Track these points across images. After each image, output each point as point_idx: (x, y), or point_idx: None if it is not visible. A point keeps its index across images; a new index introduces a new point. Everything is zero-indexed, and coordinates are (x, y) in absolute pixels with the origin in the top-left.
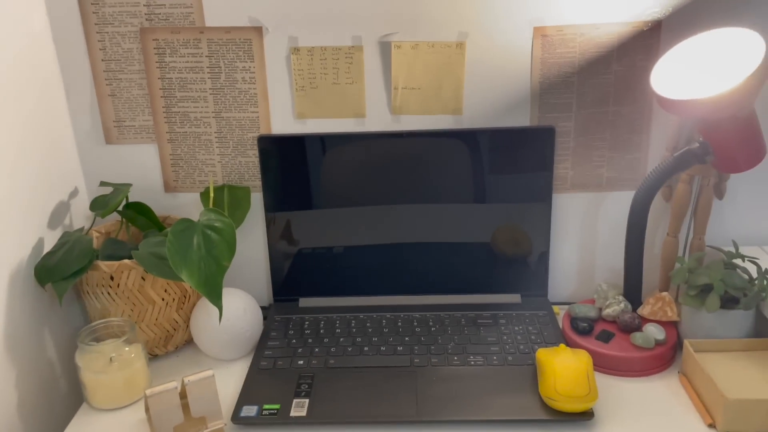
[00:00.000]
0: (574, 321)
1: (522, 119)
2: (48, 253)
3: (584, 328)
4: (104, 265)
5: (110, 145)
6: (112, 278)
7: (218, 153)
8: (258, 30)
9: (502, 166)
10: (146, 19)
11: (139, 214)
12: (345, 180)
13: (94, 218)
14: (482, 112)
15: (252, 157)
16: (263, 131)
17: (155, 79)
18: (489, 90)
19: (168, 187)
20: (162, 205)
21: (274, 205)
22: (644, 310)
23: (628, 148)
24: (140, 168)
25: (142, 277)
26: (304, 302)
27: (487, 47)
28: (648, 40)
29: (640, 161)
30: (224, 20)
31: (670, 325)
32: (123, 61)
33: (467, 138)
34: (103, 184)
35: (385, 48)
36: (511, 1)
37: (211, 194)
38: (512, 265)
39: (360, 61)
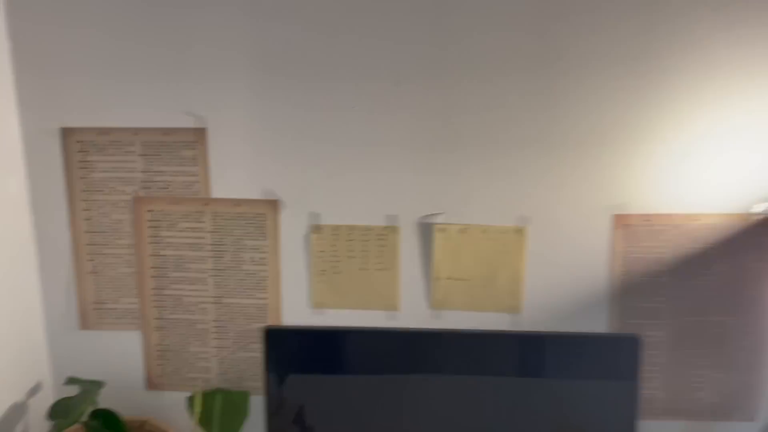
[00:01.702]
0: None
1: (597, 324)
2: None
3: None
4: None
5: (86, 330)
6: None
7: (215, 345)
8: (273, 204)
9: (572, 382)
10: (142, 187)
11: (105, 428)
12: (371, 387)
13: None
14: (546, 311)
15: (255, 353)
16: (272, 322)
17: (146, 255)
18: (555, 286)
19: (151, 384)
20: (141, 405)
21: (279, 415)
22: None
23: (738, 368)
24: (119, 359)
25: None
26: None
27: (553, 236)
28: (762, 237)
29: (755, 387)
30: (234, 191)
31: None
32: (110, 234)
33: (527, 343)
34: (70, 381)
35: (426, 230)
36: (584, 181)
37: (197, 408)
38: None
39: (394, 244)
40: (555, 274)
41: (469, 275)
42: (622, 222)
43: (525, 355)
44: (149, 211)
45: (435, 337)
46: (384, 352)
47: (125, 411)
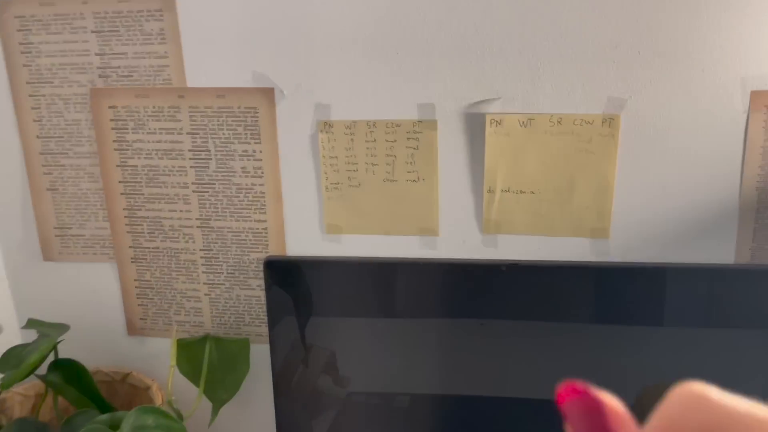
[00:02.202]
0: None
1: (720, 252)
2: None
3: None
4: None
5: (50, 262)
6: None
7: (205, 281)
8: (269, 93)
9: (684, 331)
10: (99, 76)
11: (67, 384)
12: (402, 334)
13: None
14: (645, 236)
15: (256, 290)
16: (274, 251)
17: (113, 166)
18: (659, 200)
19: (132, 329)
20: (123, 354)
21: (289, 368)
22: None
23: None
24: (92, 297)
25: None
26: None
27: (659, 126)
28: None
29: None
30: (216, 78)
31: None
32: (66, 139)
33: (618, 280)
34: (30, 324)
35: (476, 124)
36: (705, 46)
37: (180, 360)
38: None
39: (431, 144)
40: (659, 182)
41: (536, 187)
42: (764, 102)
43: (616, 296)
44: (111, 107)
45: (488, 271)
46: (419, 291)
47: (103, 361)
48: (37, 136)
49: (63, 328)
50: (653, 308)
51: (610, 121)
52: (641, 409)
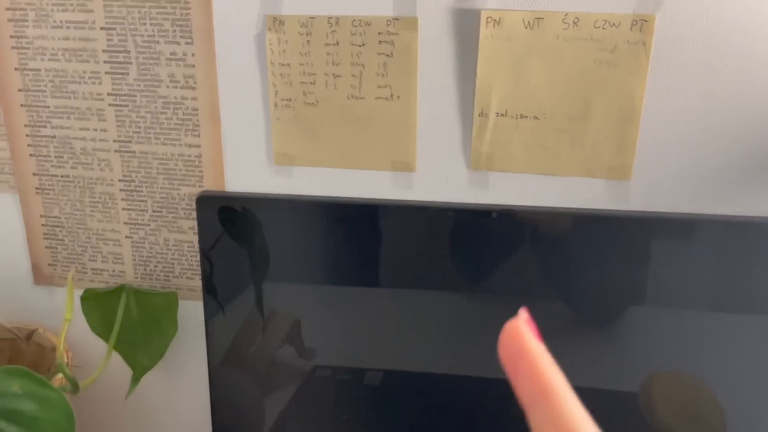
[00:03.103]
0: None
1: (762, 201)
2: None
3: None
4: None
5: None
6: None
7: (127, 221)
8: None
9: (713, 294)
10: None
11: None
12: (369, 300)
13: None
14: (676, 178)
15: (188, 234)
16: (209, 186)
17: (10, 70)
18: (699, 131)
19: (39, 276)
20: (29, 307)
21: (224, 332)
22: None
23: None
24: None
25: None
26: None
27: (706, 33)
28: None
29: None
30: None
31: None
32: None
33: (639, 234)
34: None
35: (466, 23)
36: None
37: (68, 306)
38: None
39: (410, 50)
40: (700, 109)
41: (541, 110)
42: None
43: (635, 257)
44: None
45: (476, 218)
46: (388, 243)
47: (4, 315)
48: None
49: None
50: (679, 276)
51: (641, 24)
52: (647, 399)
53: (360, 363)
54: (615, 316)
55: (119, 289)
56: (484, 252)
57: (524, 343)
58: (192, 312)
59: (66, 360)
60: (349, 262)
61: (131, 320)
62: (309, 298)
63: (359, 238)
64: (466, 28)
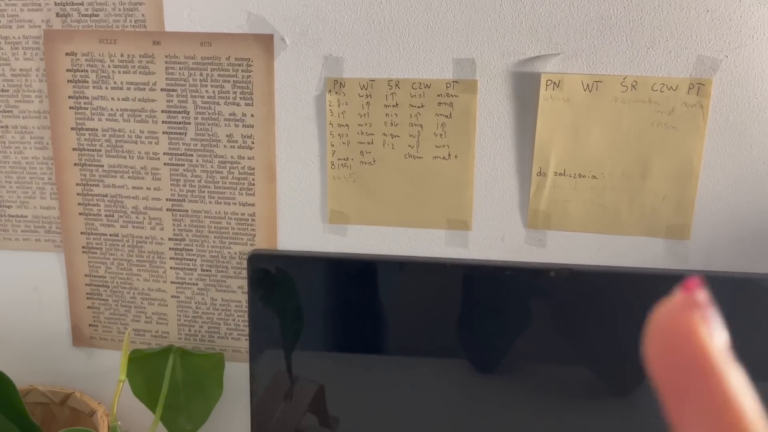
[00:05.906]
0: None
1: None
2: None
3: None
4: None
5: None
6: None
7: (173, 280)
8: (266, 42)
9: None
10: (57, 14)
11: None
12: (421, 352)
13: None
14: (736, 238)
15: (237, 293)
16: (261, 244)
17: (67, 129)
18: (757, 191)
19: (79, 337)
20: (66, 369)
21: (272, 394)
22: None
23: None
24: (30, 296)
25: None
26: None
27: (762, 95)
28: None
29: None
30: (201, 21)
31: None
32: (11, 93)
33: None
34: None
35: (526, 86)
36: None
37: (122, 368)
38: None
39: (469, 111)
40: (758, 169)
41: (600, 170)
42: None
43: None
44: (69, 54)
45: (533, 277)
46: (446, 301)
47: (40, 378)
48: None
49: None
50: (742, 335)
51: (699, 88)
52: None
53: None
54: None
55: (166, 351)
56: (542, 311)
57: (703, 347)
58: (238, 373)
59: (115, 422)
60: (401, 320)
61: (175, 383)
62: (361, 367)
63: (413, 297)
64: (525, 90)
